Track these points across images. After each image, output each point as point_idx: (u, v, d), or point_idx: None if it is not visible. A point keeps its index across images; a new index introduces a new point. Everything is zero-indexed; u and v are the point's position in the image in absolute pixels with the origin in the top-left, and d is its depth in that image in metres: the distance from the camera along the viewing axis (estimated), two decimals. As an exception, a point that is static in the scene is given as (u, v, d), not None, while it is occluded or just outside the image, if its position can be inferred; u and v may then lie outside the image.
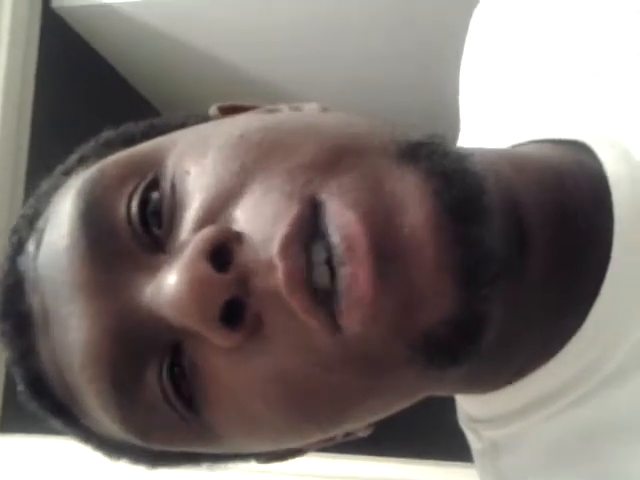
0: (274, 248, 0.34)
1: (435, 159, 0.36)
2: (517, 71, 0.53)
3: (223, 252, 0.35)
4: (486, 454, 0.48)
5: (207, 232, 0.36)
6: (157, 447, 0.41)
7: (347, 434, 0.46)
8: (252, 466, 0.50)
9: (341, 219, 0.34)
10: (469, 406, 0.48)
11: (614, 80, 0.47)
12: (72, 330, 0.38)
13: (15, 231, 0.43)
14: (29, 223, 0.42)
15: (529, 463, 0.45)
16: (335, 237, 0.34)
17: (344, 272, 0.33)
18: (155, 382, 0.37)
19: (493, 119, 0.55)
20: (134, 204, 0.38)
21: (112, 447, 0.43)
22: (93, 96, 1.84)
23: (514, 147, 0.49)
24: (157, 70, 2.06)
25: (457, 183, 0.35)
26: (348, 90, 1.94)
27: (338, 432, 0.43)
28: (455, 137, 0.58)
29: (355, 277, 0.33)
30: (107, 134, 0.46)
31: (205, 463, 0.46)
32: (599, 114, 0.46)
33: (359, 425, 0.43)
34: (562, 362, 0.42)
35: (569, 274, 0.41)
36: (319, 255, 0.34)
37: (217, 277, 0.34)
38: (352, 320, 0.34)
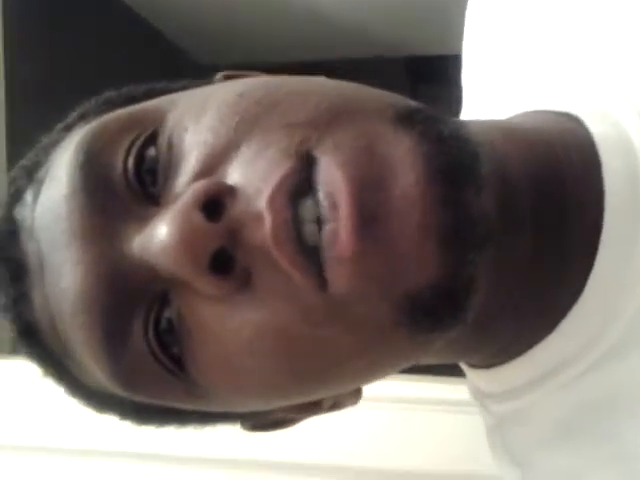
0: (263, 200, 0.35)
1: (430, 124, 0.37)
2: (516, 44, 0.53)
3: (216, 204, 0.36)
4: (496, 429, 0.49)
5: (200, 184, 0.36)
6: (144, 400, 0.41)
7: (333, 405, 0.48)
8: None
9: (329, 177, 0.34)
10: (478, 381, 0.49)
11: (606, 52, 0.47)
12: (66, 277, 0.38)
13: (13, 181, 0.44)
14: (28, 174, 0.43)
15: (536, 437, 0.46)
16: (321, 194, 0.34)
17: (327, 228, 0.34)
18: (141, 334, 0.38)
19: (493, 92, 0.55)
20: (130, 160, 0.39)
21: (100, 400, 0.44)
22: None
23: (508, 119, 0.49)
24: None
25: (451, 148, 0.36)
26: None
27: (323, 394, 0.44)
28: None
29: (336, 234, 0.34)
30: (108, 94, 0.46)
31: (191, 423, 0.46)
32: (590, 86, 0.47)
33: (343, 389, 0.44)
34: (561, 337, 0.42)
35: (561, 243, 0.42)
36: (309, 212, 0.35)
37: (207, 226, 0.35)
38: (337, 276, 0.34)
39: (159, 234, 0.36)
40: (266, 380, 0.39)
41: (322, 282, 0.35)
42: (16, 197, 0.43)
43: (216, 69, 0.49)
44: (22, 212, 0.42)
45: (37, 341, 0.42)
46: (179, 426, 0.47)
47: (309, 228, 0.35)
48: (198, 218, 0.35)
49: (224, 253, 0.35)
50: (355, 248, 0.34)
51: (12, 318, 0.43)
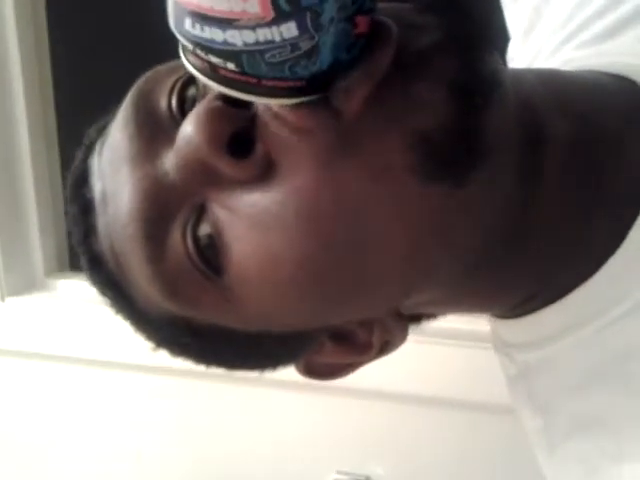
0: None
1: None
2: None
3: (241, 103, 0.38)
4: (519, 378, 0.50)
5: None
6: (184, 309, 0.44)
7: (384, 347, 0.49)
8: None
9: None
10: (504, 331, 0.51)
11: None
12: (119, 197, 0.43)
13: (88, 135, 0.49)
14: (99, 129, 0.48)
15: (562, 384, 0.47)
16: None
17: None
18: (180, 241, 0.41)
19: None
20: (174, 96, 0.43)
21: (158, 327, 0.47)
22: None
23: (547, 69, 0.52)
24: None
25: (467, 24, 0.39)
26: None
27: (360, 278, 0.42)
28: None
29: (381, 52, 0.36)
30: None
31: (245, 355, 0.48)
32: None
33: (379, 272, 0.42)
34: (596, 286, 0.44)
35: (604, 178, 0.43)
36: None
37: (226, 108, 0.38)
38: (353, 96, 0.36)
39: (183, 130, 0.40)
40: (296, 258, 0.40)
41: (333, 112, 0.37)
42: (89, 148, 0.48)
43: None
44: (92, 158, 0.46)
45: (100, 267, 0.46)
46: (235, 360, 0.49)
47: None
48: (217, 103, 0.38)
49: (245, 137, 0.38)
50: (387, 67, 0.36)
51: (83, 251, 0.47)
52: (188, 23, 0.33)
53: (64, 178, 1.36)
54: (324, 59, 0.34)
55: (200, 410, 1.25)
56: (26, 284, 1.32)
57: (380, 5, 0.38)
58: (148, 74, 0.46)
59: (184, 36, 0.34)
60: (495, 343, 0.53)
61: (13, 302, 1.29)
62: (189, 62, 0.36)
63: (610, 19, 0.53)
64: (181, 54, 0.37)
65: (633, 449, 0.42)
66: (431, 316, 0.52)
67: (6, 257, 1.28)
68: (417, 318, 0.51)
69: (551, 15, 0.60)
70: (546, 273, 0.45)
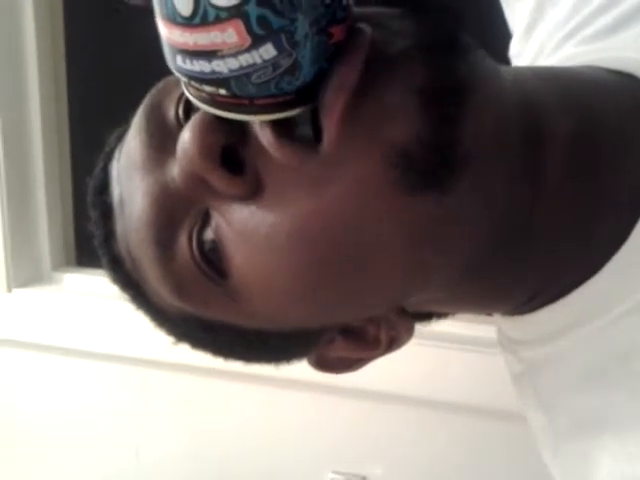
0: None
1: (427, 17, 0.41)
2: None
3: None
4: (525, 375, 0.50)
5: None
6: (194, 308, 0.45)
7: (391, 343, 0.50)
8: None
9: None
10: (510, 329, 0.51)
11: None
12: (133, 202, 0.45)
13: (109, 143, 0.51)
14: (119, 137, 0.50)
15: (565, 382, 0.47)
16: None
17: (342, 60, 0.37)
18: (186, 245, 0.43)
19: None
20: (181, 106, 0.45)
21: (169, 320, 0.48)
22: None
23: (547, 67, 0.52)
24: None
25: (443, 29, 0.40)
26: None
27: (353, 292, 0.43)
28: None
29: (352, 61, 0.37)
30: None
31: (256, 349, 0.49)
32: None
33: (374, 283, 0.43)
34: (599, 284, 0.44)
35: (606, 178, 0.43)
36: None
37: (219, 123, 0.39)
38: (329, 123, 0.37)
39: (181, 139, 0.41)
40: (291, 272, 0.41)
41: (313, 145, 0.38)
42: (108, 155, 0.50)
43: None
44: (112, 165, 0.48)
45: (119, 268, 0.48)
46: (248, 354, 0.50)
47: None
48: (211, 119, 0.40)
49: (236, 155, 0.40)
50: (359, 80, 0.37)
51: (103, 252, 0.49)
52: (180, 60, 0.36)
53: (74, 174, 1.37)
54: (306, 72, 0.36)
55: (198, 408, 1.27)
56: (33, 277, 1.34)
57: (363, 10, 0.40)
58: (159, 85, 0.47)
59: (179, 72, 0.37)
60: (501, 340, 0.53)
61: (19, 294, 1.31)
62: (190, 93, 0.39)
63: (613, 15, 0.54)
64: (183, 87, 0.40)
65: (635, 449, 0.43)
66: (441, 315, 0.53)
67: (15, 250, 1.30)
68: (427, 316, 0.52)
69: (554, 11, 0.61)
70: (549, 272, 0.46)
